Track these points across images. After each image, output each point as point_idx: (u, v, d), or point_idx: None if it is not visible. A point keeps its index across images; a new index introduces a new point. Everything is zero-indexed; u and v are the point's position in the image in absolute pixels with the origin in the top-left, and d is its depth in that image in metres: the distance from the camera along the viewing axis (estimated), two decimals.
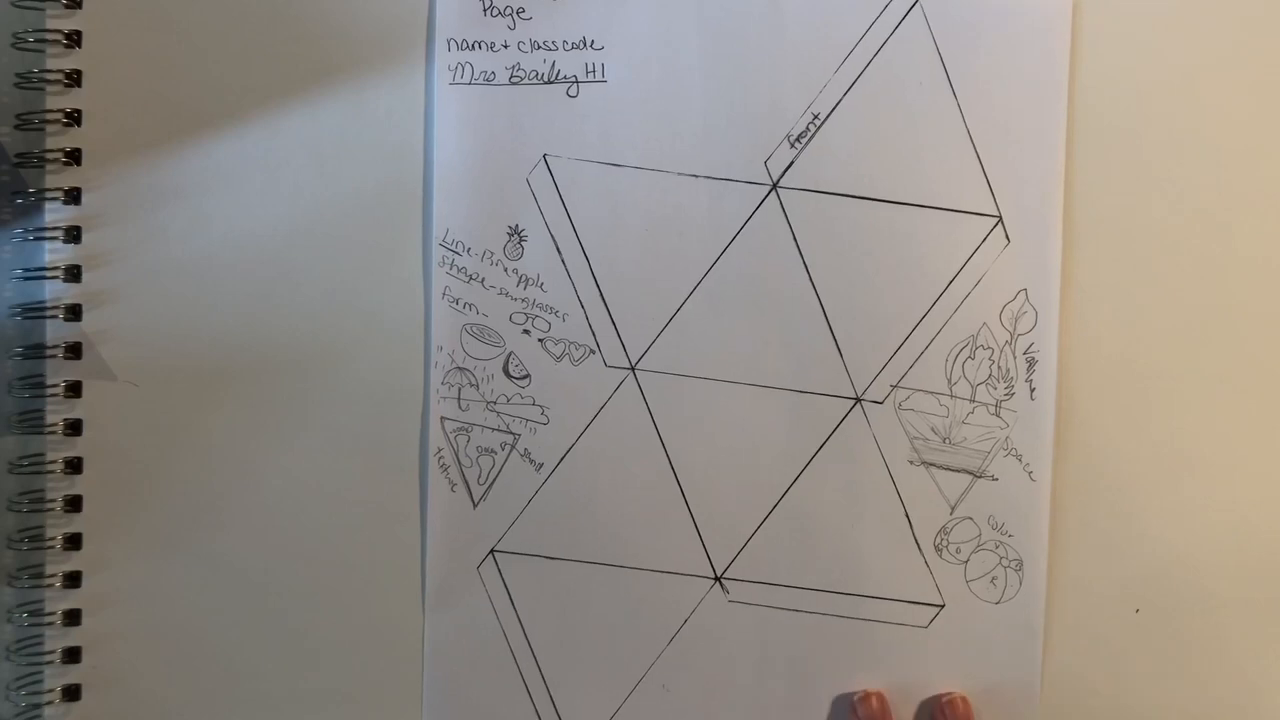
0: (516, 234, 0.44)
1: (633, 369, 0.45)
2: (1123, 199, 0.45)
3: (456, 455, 0.44)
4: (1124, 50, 0.45)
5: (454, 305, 0.44)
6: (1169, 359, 0.45)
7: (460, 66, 0.44)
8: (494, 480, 0.45)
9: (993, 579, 0.45)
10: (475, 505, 0.45)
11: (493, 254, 0.44)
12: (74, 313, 0.44)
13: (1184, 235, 0.45)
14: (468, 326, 0.44)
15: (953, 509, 0.45)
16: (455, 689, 0.45)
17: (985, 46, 0.44)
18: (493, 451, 0.45)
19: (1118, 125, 0.45)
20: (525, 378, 0.45)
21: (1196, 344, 0.45)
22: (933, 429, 0.45)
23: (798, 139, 0.44)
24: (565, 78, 0.44)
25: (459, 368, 0.44)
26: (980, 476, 0.45)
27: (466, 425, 0.44)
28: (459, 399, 0.44)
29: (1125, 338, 0.45)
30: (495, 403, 0.45)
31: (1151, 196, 0.45)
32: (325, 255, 0.44)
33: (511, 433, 0.45)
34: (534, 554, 0.45)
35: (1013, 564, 0.45)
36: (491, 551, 0.45)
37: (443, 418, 0.44)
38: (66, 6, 0.43)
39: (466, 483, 0.45)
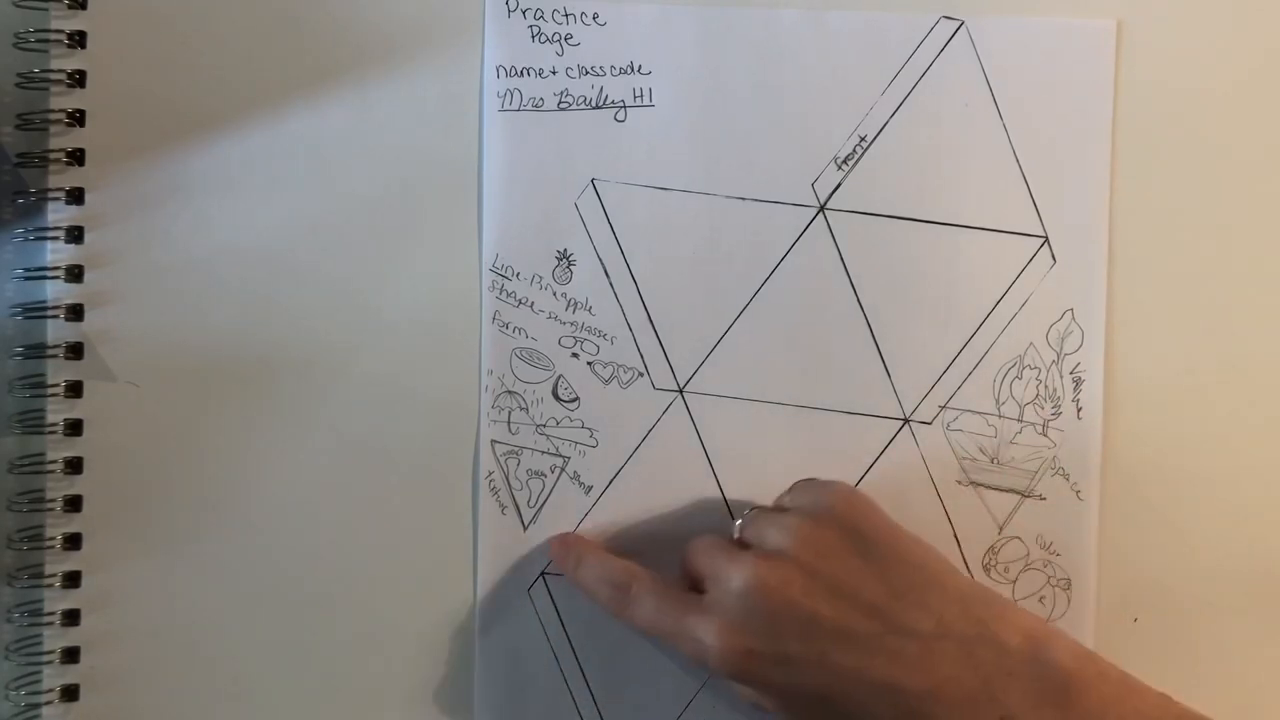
0: (565, 258, 0.45)
1: (681, 391, 0.45)
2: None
3: (507, 478, 0.45)
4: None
5: (503, 329, 0.44)
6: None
7: (509, 93, 0.44)
8: (544, 503, 0.45)
9: (1041, 598, 0.45)
10: (525, 528, 0.45)
11: (541, 278, 0.45)
12: (75, 313, 0.43)
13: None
14: (517, 350, 0.45)
15: (1001, 529, 0.45)
16: (505, 711, 0.45)
17: (1030, 67, 0.45)
18: (542, 474, 0.45)
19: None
20: (574, 400, 0.45)
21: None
22: (981, 449, 0.45)
23: (845, 161, 0.45)
24: (613, 102, 0.44)
25: (508, 391, 0.45)
26: (1028, 496, 0.45)
27: (516, 448, 0.45)
28: (509, 422, 0.45)
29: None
30: (545, 426, 0.45)
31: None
32: (327, 260, 0.44)
33: (561, 455, 0.45)
34: None
35: (1061, 583, 0.45)
36: (542, 574, 0.45)
37: (493, 441, 0.44)
38: (70, 7, 0.43)
39: (517, 505, 0.45)
